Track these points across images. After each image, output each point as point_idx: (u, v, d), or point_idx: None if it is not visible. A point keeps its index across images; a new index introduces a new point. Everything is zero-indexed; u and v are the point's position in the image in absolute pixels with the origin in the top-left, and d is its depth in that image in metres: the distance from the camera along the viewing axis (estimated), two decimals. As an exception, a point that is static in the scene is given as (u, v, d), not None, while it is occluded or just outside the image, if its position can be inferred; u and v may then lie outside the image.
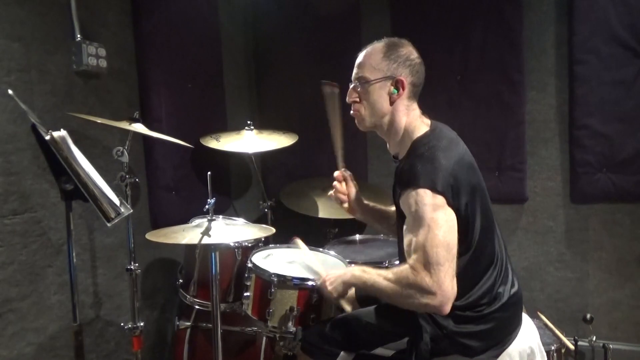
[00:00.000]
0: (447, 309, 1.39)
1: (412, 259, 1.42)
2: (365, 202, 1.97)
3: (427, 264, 1.38)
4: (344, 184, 1.95)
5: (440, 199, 1.43)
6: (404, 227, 1.50)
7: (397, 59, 1.60)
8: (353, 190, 1.95)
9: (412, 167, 1.49)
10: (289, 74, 3.33)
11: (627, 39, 2.52)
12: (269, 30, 3.39)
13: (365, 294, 1.97)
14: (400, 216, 1.58)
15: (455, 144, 1.59)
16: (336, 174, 1.96)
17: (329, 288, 1.66)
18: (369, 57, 1.63)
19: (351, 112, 1.70)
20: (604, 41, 2.56)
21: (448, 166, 1.47)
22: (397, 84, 1.60)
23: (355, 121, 1.71)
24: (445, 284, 1.37)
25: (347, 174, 1.96)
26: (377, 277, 1.52)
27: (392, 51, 1.61)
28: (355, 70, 1.67)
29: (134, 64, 2.50)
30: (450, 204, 1.44)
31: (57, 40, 2.10)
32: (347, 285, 1.64)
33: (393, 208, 1.96)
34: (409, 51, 1.63)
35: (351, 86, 1.67)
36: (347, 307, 1.74)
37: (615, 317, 2.67)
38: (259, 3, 3.34)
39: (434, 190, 1.42)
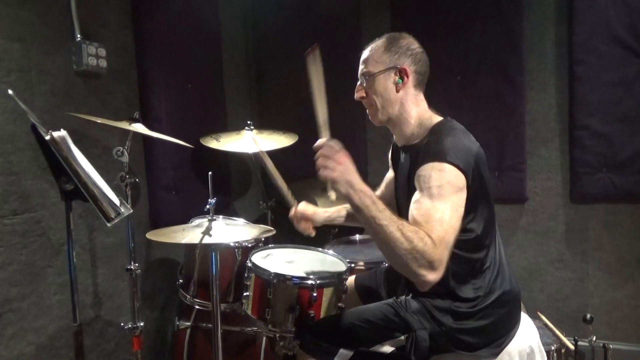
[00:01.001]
0: (428, 287, 1.34)
1: (427, 228, 1.33)
2: (326, 213, 2.07)
3: (441, 240, 1.33)
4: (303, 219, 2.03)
5: (462, 180, 1.42)
6: (415, 197, 1.43)
7: (398, 50, 1.65)
8: (312, 218, 2.03)
9: (439, 141, 1.49)
10: (289, 74, 3.32)
11: (627, 39, 2.52)
12: (269, 30, 3.39)
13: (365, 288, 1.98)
14: (409, 193, 1.54)
15: (469, 133, 1.61)
16: (290, 214, 2.03)
17: (333, 175, 1.38)
18: (372, 52, 1.69)
19: (367, 111, 1.73)
20: (604, 41, 2.56)
21: (472, 149, 1.50)
22: (401, 73, 1.64)
23: (370, 117, 1.73)
24: (444, 266, 1.34)
25: (300, 210, 2.01)
26: (391, 222, 1.31)
27: (393, 44, 1.66)
28: (360, 67, 1.72)
29: (134, 64, 2.50)
30: (469, 185, 1.44)
31: (57, 40, 2.10)
32: (348, 197, 1.37)
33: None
34: (410, 42, 1.68)
35: (357, 83, 1.72)
36: (332, 196, 1.47)
37: (615, 317, 2.67)
38: (259, 3, 3.35)
39: (459, 168, 1.42)
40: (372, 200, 1.35)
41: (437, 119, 1.65)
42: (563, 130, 2.73)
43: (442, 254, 1.32)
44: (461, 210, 1.41)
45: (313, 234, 2.04)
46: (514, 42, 2.74)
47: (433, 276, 1.31)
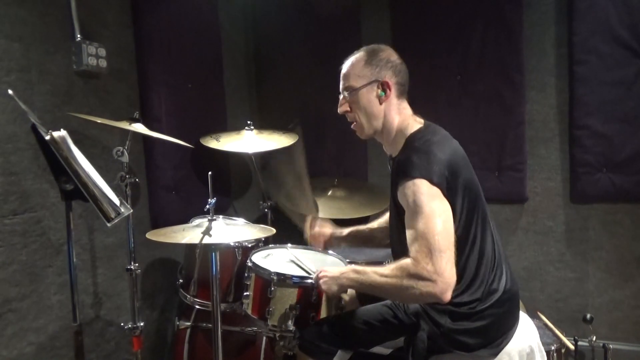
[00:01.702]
0: (448, 296, 1.39)
1: (413, 249, 1.42)
2: (345, 231, 2.09)
3: (428, 252, 1.38)
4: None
5: (436, 190, 1.45)
6: (406, 221, 1.50)
7: (378, 63, 1.66)
8: (328, 237, 2.10)
9: (408, 158, 1.53)
10: (289, 74, 3.33)
11: (627, 39, 2.52)
12: (269, 30, 3.39)
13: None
14: (396, 212, 1.60)
15: (448, 139, 1.63)
16: (307, 232, 2.12)
17: (324, 287, 1.66)
18: (352, 67, 1.70)
19: (352, 126, 1.75)
20: (604, 41, 2.56)
21: (443, 159, 1.50)
22: (383, 86, 1.66)
23: (357, 132, 1.75)
24: (446, 272, 1.37)
25: (316, 230, 2.10)
26: (374, 275, 1.51)
27: (373, 57, 1.68)
28: (341, 82, 1.73)
29: (134, 64, 2.50)
30: (445, 195, 1.46)
31: (57, 40, 2.10)
32: (342, 287, 1.64)
33: (375, 225, 2.05)
34: (389, 54, 1.70)
35: (340, 97, 1.73)
36: (345, 297, 1.76)
37: (615, 317, 2.67)
38: (259, 3, 3.34)
39: (430, 181, 1.45)
40: (355, 270, 1.60)
41: (415, 127, 1.65)
42: (563, 130, 2.73)
43: (434, 264, 1.37)
44: (447, 213, 1.45)
45: (321, 248, 2.09)
46: (514, 42, 2.73)
47: (438, 287, 1.36)
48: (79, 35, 2.15)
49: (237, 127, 2.76)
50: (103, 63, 2.23)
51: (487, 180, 2.72)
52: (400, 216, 1.54)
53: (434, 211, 1.42)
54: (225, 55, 3.10)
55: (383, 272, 1.48)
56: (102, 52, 2.22)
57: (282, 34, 3.33)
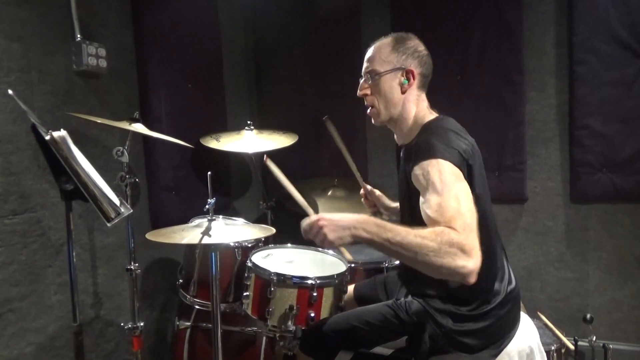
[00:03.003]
0: (474, 278, 1.26)
1: (447, 220, 1.29)
2: (393, 204, 2.06)
3: (465, 226, 1.28)
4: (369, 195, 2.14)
5: (459, 172, 1.41)
6: (423, 198, 1.40)
7: (405, 51, 1.65)
8: (379, 200, 2.11)
9: (427, 141, 1.47)
10: (289, 74, 3.33)
11: (627, 39, 2.52)
12: (269, 30, 3.39)
13: (364, 293, 1.98)
14: (409, 199, 1.56)
15: (465, 132, 1.60)
16: (361, 192, 2.17)
17: (331, 237, 1.36)
18: (378, 50, 1.68)
19: (368, 111, 1.72)
20: (604, 41, 2.56)
21: (462, 146, 1.48)
22: (408, 74, 1.64)
23: (372, 119, 1.73)
24: (479, 250, 1.27)
25: (368, 188, 2.13)
26: (405, 233, 1.28)
27: (400, 44, 1.66)
28: (365, 65, 1.71)
29: (134, 64, 2.50)
30: (465, 179, 1.42)
31: (57, 40, 2.10)
32: (357, 239, 1.36)
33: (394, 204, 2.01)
34: (417, 43, 1.69)
35: (362, 80, 1.71)
36: (349, 255, 1.64)
37: (615, 317, 2.67)
38: (259, 3, 3.34)
39: (453, 163, 1.41)
40: (376, 224, 1.33)
41: (431, 117, 1.65)
42: (563, 130, 2.73)
43: (470, 239, 1.26)
44: (471, 196, 1.37)
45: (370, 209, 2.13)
46: (514, 42, 2.74)
47: (472, 263, 1.24)
48: (79, 35, 2.15)
49: (237, 127, 2.76)
50: (103, 63, 2.23)
51: (487, 180, 2.71)
52: (412, 202, 1.48)
53: (462, 190, 1.36)
54: (225, 55, 3.10)
55: (419, 233, 1.27)
56: (102, 52, 2.22)
57: (282, 34, 3.33)
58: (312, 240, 1.41)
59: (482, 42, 2.79)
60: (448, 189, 1.35)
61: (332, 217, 1.38)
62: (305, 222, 1.42)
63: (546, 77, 2.75)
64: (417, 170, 1.43)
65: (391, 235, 1.30)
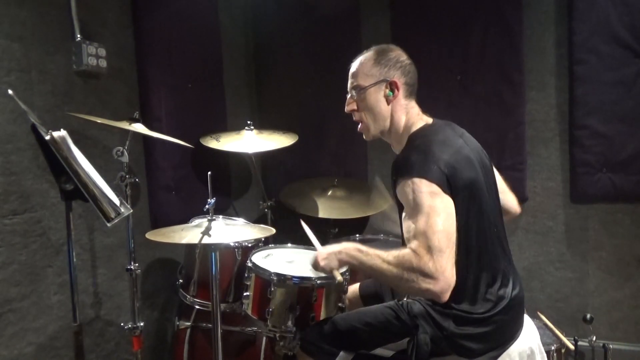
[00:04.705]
0: (447, 296, 1.38)
1: (414, 244, 1.40)
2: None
3: (429, 249, 1.36)
4: None
5: (436, 187, 1.44)
6: (403, 215, 1.51)
7: (387, 63, 1.66)
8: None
9: (407, 157, 1.53)
10: (289, 74, 3.33)
11: (627, 39, 2.52)
12: (269, 30, 3.39)
13: (368, 293, 1.99)
14: (397, 205, 1.61)
15: (452, 138, 1.60)
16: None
17: (322, 264, 1.62)
18: (361, 65, 1.70)
19: (358, 128, 1.75)
20: (604, 41, 2.56)
21: (442, 158, 1.49)
22: (392, 86, 1.65)
23: (363, 135, 1.75)
24: (447, 271, 1.36)
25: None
26: (376, 258, 1.48)
27: (382, 56, 1.68)
28: (350, 81, 1.73)
29: (134, 64, 2.50)
30: (445, 192, 1.45)
31: (57, 40, 2.10)
32: (341, 262, 1.62)
33: None
34: (398, 54, 1.70)
35: (348, 96, 1.73)
36: (338, 277, 1.69)
37: (615, 317, 2.67)
38: (259, 3, 3.34)
39: (428, 179, 1.44)
40: (357, 249, 1.55)
41: (419, 124, 1.65)
42: (563, 130, 2.73)
43: (435, 261, 1.35)
44: (448, 210, 1.43)
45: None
46: (514, 42, 2.73)
47: (438, 286, 1.35)
48: (79, 35, 2.15)
49: (237, 127, 2.76)
50: (103, 63, 2.23)
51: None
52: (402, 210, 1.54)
53: (434, 209, 1.41)
54: (225, 55, 3.10)
55: (386, 258, 1.45)
56: (102, 52, 2.22)
57: (282, 34, 3.33)
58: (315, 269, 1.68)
59: (482, 42, 2.79)
60: (420, 209, 1.42)
61: (327, 248, 1.64)
62: (312, 263, 1.68)
63: (546, 77, 2.75)
64: (398, 187, 1.52)
65: (365, 259, 1.51)
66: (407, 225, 1.46)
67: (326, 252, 1.62)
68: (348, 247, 1.58)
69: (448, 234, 1.40)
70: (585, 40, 2.59)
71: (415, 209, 1.43)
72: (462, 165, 1.52)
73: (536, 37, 2.74)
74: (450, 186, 1.47)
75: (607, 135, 2.59)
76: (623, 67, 2.54)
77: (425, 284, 1.36)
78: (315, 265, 1.66)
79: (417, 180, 1.45)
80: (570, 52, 2.65)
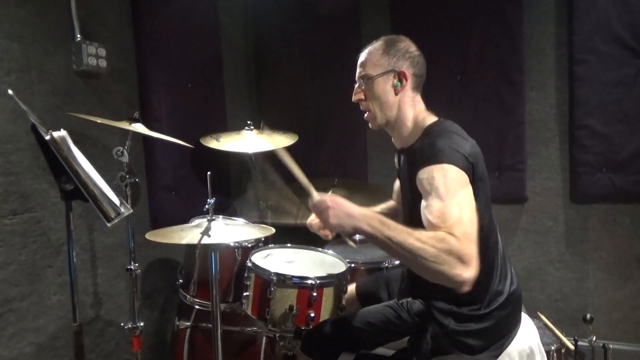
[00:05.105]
0: (469, 286, 1.28)
1: (447, 227, 1.29)
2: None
3: (465, 235, 1.28)
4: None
5: (465, 176, 1.41)
6: (425, 202, 1.41)
7: (396, 53, 1.65)
8: None
9: (434, 144, 1.46)
10: (289, 74, 3.33)
11: (627, 39, 2.52)
12: (269, 30, 3.39)
13: (366, 290, 1.98)
14: (412, 202, 1.54)
15: (466, 134, 1.60)
16: (309, 222, 1.98)
17: (333, 222, 1.42)
18: (370, 55, 1.68)
19: (364, 116, 1.72)
20: (604, 41, 2.56)
21: (466, 148, 1.47)
22: (400, 76, 1.64)
23: (369, 123, 1.74)
24: (476, 260, 1.28)
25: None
26: (406, 234, 1.30)
27: (391, 47, 1.66)
28: (358, 70, 1.71)
29: (134, 64, 2.50)
30: (470, 183, 1.42)
31: (57, 40, 2.10)
32: (357, 231, 1.40)
33: (378, 209, 1.99)
34: (408, 44, 1.68)
35: (356, 86, 1.72)
36: (351, 243, 1.60)
37: (615, 317, 2.67)
38: (259, 3, 3.35)
39: (460, 167, 1.41)
40: (380, 220, 1.35)
41: (431, 119, 1.64)
42: (563, 130, 2.73)
43: (469, 248, 1.27)
44: (473, 204, 1.38)
45: (330, 237, 1.96)
46: (514, 42, 2.73)
47: (468, 273, 1.25)
48: (79, 35, 2.15)
49: (237, 127, 2.76)
50: (103, 63, 2.23)
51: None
52: (416, 205, 1.46)
53: (466, 197, 1.36)
54: (225, 55, 3.10)
55: (419, 236, 1.29)
56: (102, 52, 2.22)
57: (282, 34, 3.33)
58: (317, 217, 1.46)
59: (482, 42, 2.79)
60: (451, 195, 1.35)
61: (342, 203, 1.43)
62: (317, 197, 1.49)
63: (546, 77, 2.75)
64: (422, 174, 1.43)
65: (393, 234, 1.31)
66: (438, 209, 1.34)
67: (341, 209, 1.42)
68: (367, 215, 1.38)
69: (474, 224, 1.34)
70: (585, 40, 2.59)
71: (447, 195, 1.35)
72: (479, 158, 1.52)
73: (536, 37, 2.74)
74: (473, 177, 1.45)
75: (607, 135, 2.59)
76: (623, 67, 2.54)
77: (458, 270, 1.25)
78: (322, 216, 1.44)
79: (447, 166, 1.39)
80: (570, 52, 2.65)
